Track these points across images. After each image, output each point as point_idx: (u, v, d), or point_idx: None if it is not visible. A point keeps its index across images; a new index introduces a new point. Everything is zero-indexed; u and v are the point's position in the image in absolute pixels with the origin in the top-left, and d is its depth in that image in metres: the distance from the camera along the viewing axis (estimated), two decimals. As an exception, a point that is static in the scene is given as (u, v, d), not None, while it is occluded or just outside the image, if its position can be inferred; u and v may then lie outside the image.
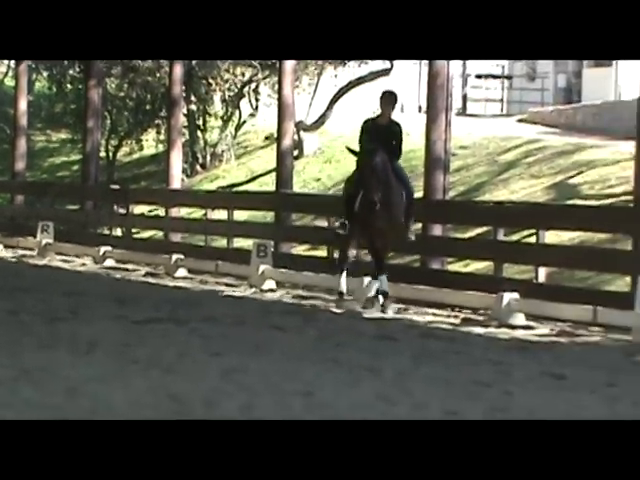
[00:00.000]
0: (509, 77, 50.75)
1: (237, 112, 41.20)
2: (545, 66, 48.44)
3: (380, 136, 16.66)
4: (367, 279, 17.98)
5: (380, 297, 16.69)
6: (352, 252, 17.70)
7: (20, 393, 8.13)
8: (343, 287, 17.25)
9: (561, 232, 21.95)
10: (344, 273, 17.31)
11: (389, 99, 17.72)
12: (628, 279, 18.43)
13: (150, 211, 32.19)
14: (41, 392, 8.24)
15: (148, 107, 40.56)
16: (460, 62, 39.89)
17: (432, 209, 22.31)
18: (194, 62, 36.91)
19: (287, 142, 24.90)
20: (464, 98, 45.76)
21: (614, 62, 42.90)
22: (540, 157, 33.39)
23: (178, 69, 28.37)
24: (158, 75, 37.91)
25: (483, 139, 35.63)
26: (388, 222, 16.04)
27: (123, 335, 14.00)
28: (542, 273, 19.01)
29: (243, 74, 38.04)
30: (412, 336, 16.06)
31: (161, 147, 39.62)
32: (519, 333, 16.57)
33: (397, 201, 16.33)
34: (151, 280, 23.69)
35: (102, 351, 12.22)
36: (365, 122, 17.88)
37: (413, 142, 28.51)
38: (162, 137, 37.86)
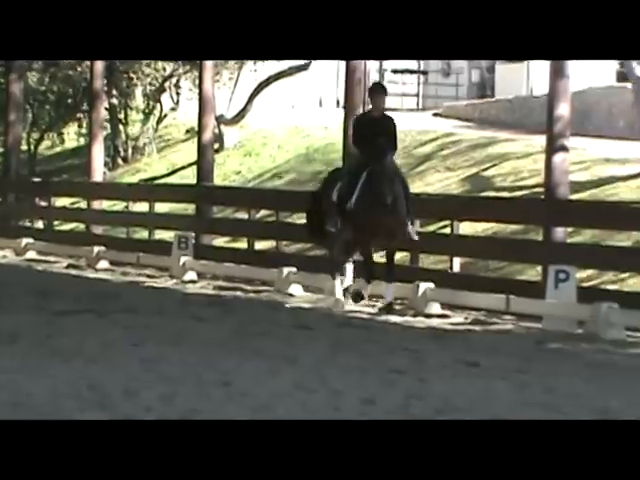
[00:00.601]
0: (425, 72, 50.49)
1: (158, 106, 40.60)
2: (460, 62, 48.76)
3: (377, 130, 16.12)
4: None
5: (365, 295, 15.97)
6: (348, 256, 16.76)
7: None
8: (339, 293, 16.35)
9: (475, 223, 21.95)
10: (339, 279, 16.51)
11: (380, 91, 17.23)
12: (539, 269, 18.81)
13: (72, 204, 31.93)
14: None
15: (70, 101, 39.90)
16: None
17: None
18: None
19: (208, 136, 25.12)
20: None
21: None
22: (455, 150, 32.94)
23: (99, 64, 27.95)
24: (80, 69, 37.56)
25: (400, 132, 34.18)
26: (397, 222, 15.46)
27: (44, 326, 13.99)
28: (457, 263, 19.17)
29: (164, 68, 37.65)
30: (329, 325, 16.21)
31: (83, 140, 38.48)
32: (434, 322, 16.69)
33: (401, 200, 15.74)
34: (73, 272, 23.63)
35: (23, 342, 12.33)
36: (359, 117, 17.61)
37: (332, 136, 29.06)
38: (84, 130, 36.99)
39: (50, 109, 41.47)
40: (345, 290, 16.24)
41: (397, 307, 15.92)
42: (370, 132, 15.77)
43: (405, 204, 15.30)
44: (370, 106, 17.17)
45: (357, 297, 15.88)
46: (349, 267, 16.58)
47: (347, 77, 23.17)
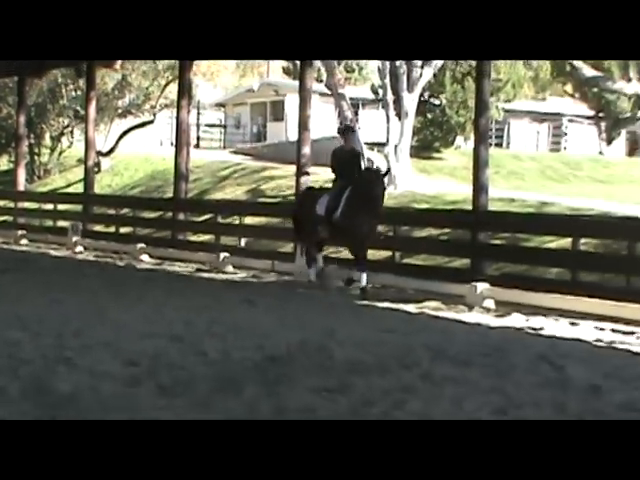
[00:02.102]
0: (225, 126, 50.53)
1: (60, 144, 39.62)
2: (245, 118, 47.73)
3: (348, 160, 13.93)
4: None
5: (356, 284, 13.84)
6: (319, 253, 14.45)
7: None
8: (313, 277, 14.15)
9: (255, 217, 21.22)
10: (314, 268, 14.30)
11: (350, 132, 15.25)
12: (292, 245, 17.92)
13: (4, 205, 30.93)
14: None
15: (3, 141, 39.42)
16: (195, 114, 39.79)
17: (181, 205, 21.08)
18: (32, 113, 33.49)
19: (90, 163, 23.25)
20: (198, 138, 46.06)
21: (285, 117, 42.25)
22: (242, 173, 32.16)
23: (22, 117, 26.93)
24: (10, 121, 36.63)
25: (209, 162, 35.59)
26: (370, 226, 13.31)
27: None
28: (243, 241, 18.61)
29: (64, 122, 37.23)
30: (166, 278, 16.08)
31: (11, 165, 37.59)
32: (229, 276, 16.53)
33: (374, 211, 13.44)
34: (4, 246, 22.49)
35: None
36: (335, 150, 14.95)
37: (167, 163, 27.58)
38: (12, 159, 36.31)
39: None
40: (319, 273, 14.22)
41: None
42: (343, 161, 13.80)
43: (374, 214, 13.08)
44: (343, 142, 14.55)
45: (350, 281, 13.89)
46: (320, 258, 14.34)
47: (177, 127, 20.81)
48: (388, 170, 12.54)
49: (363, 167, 14.22)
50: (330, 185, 14.56)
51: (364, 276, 12.93)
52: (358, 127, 30.92)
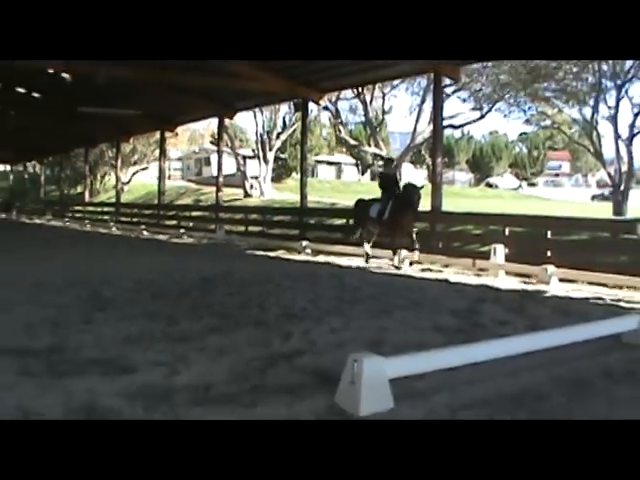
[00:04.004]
0: (182, 169, 58.87)
1: (103, 179, 44.08)
2: (191, 165, 57.46)
3: (389, 180, 13.00)
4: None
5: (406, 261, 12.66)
6: (369, 243, 13.36)
7: None
8: (368, 250, 13.36)
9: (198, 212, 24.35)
10: (367, 246, 13.27)
11: (389, 162, 14.75)
12: (214, 225, 20.15)
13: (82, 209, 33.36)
14: None
15: (78, 177, 41.58)
16: (168, 163, 37.63)
17: (162, 207, 25.08)
18: (92, 164, 39.46)
19: (118, 187, 29.05)
20: (169, 175, 46.68)
21: (210, 164, 49.88)
22: (190, 191, 37.96)
23: (87, 166, 33.39)
24: (80, 169, 39.50)
25: (175, 186, 38.99)
26: (410, 225, 12.06)
27: None
28: (191, 224, 21.79)
29: (106, 168, 43.60)
30: (156, 243, 18.25)
31: (79, 189, 39.19)
32: (185, 241, 18.86)
33: (412, 213, 12.18)
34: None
35: None
36: (381, 173, 14.25)
37: (155, 188, 28.47)
38: (81, 187, 37.60)
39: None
40: (366, 255, 13.24)
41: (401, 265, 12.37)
42: (387, 181, 12.91)
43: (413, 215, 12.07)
44: (383, 168, 14.30)
45: (368, 258, 13.27)
46: (368, 246, 13.29)
47: (159, 170, 25.55)
48: (422, 186, 11.81)
49: (400, 184, 13.02)
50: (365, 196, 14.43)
51: (416, 253, 12.13)
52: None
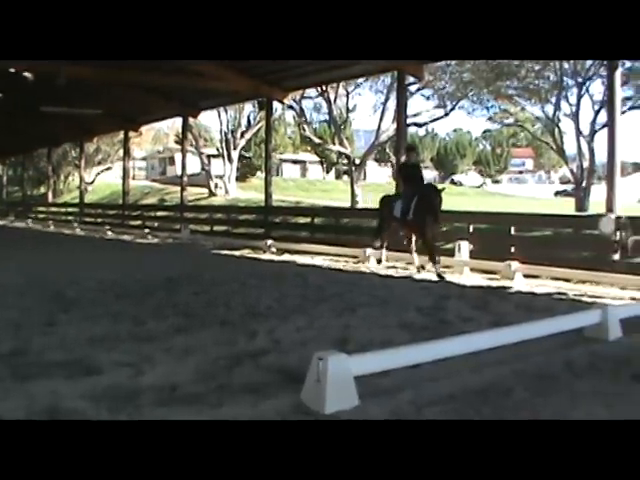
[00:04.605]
0: (146, 168, 58.56)
1: (67, 179, 44.37)
2: (156, 164, 56.78)
3: (412, 171, 12.08)
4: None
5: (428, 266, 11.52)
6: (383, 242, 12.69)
7: None
8: (383, 258, 12.66)
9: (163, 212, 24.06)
10: (382, 251, 12.59)
11: (412, 149, 13.07)
12: (179, 226, 20.27)
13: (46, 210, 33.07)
14: None
15: (41, 178, 41.79)
16: (132, 163, 39.29)
17: (126, 207, 25.30)
18: (55, 164, 38.72)
19: (82, 188, 29.43)
20: (134, 175, 42.55)
21: (175, 163, 50.62)
22: (155, 190, 38.34)
23: (50, 166, 33.16)
24: (43, 169, 39.32)
25: (139, 186, 39.05)
26: (435, 224, 11.19)
27: None
28: (156, 223, 21.68)
29: (69, 168, 43.84)
30: (120, 243, 18.54)
31: (43, 190, 39.93)
32: (150, 241, 18.72)
33: (437, 212, 11.24)
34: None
35: None
36: (401, 164, 13.17)
37: (119, 187, 31.61)
38: (44, 188, 38.59)
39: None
40: (379, 259, 12.69)
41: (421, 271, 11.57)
42: (408, 171, 12.09)
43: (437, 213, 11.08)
44: (405, 157, 12.83)
45: (379, 262, 12.64)
46: (384, 252, 12.59)
47: (123, 170, 25.56)
48: (444, 188, 11.22)
49: (423, 176, 12.28)
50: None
51: (437, 261, 11.12)
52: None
